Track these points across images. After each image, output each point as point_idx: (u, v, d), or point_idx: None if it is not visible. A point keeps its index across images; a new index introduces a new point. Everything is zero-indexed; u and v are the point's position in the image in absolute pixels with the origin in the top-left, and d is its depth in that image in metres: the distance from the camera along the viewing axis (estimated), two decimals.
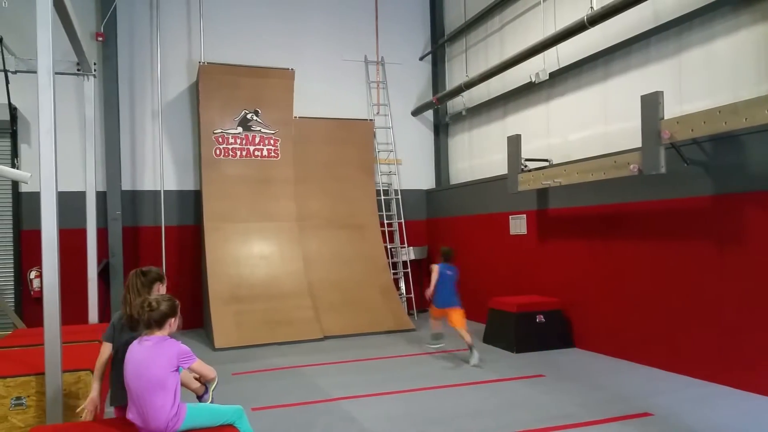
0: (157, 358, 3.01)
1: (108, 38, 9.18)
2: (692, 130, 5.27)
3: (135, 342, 3.12)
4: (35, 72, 3.70)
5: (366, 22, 11.06)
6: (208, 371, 3.40)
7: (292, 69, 9.70)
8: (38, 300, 8.13)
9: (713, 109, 5.14)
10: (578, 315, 7.37)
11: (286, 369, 6.64)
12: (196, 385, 3.48)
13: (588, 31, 6.77)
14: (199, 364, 3.26)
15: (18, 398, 3.78)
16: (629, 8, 6.18)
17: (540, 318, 7.34)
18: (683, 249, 5.89)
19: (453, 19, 11.00)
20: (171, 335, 3.16)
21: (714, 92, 5.76)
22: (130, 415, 3.04)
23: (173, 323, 3.17)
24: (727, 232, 5.45)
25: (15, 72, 6.11)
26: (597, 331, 7.05)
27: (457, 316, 6.64)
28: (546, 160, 8.01)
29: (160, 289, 3.53)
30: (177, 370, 3.07)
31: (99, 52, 9.17)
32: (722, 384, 5.42)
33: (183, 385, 3.32)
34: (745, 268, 5.26)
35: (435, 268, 6.81)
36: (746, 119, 4.78)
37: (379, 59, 11.12)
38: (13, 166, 8.31)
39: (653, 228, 6.25)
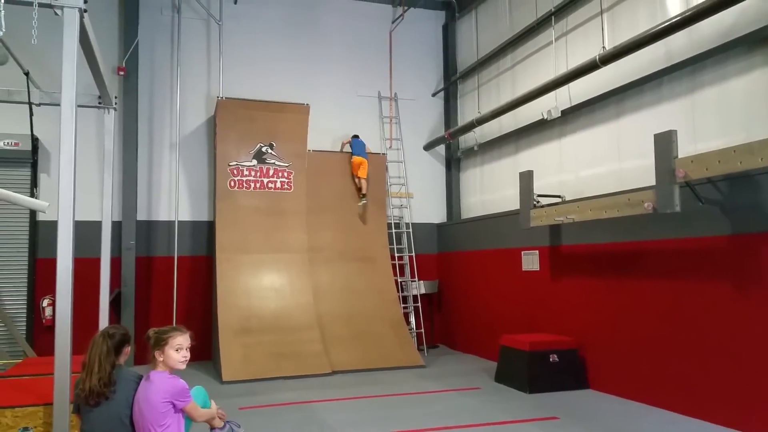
0: (153, 395, 3.04)
1: (129, 73, 9.44)
2: (707, 169, 5.25)
3: (143, 379, 3.17)
4: (58, 105, 3.79)
5: (380, 59, 11.28)
6: (199, 415, 3.30)
7: (307, 104, 9.87)
8: (50, 328, 8.13)
9: (728, 148, 5.12)
10: (593, 355, 7.21)
11: (295, 404, 6.54)
12: (215, 421, 3.42)
13: (600, 69, 6.85)
14: (192, 407, 3.21)
15: (25, 429, 3.75)
16: (641, 48, 6.26)
17: (553, 357, 7.18)
18: (700, 289, 5.78)
19: (465, 57, 11.19)
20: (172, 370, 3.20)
21: (727, 131, 5.75)
22: None
23: (128, 351, 3.30)
24: (744, 272, 5.35)
25: (39, 105, 6.26)
26: (612, 372, 6.89)
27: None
28: (558, 196, 7.99)
29: (128, 353, 3.32)
30: (174, 407, 3.07)
31: (120, 86, 9.41)
32: (741, 430, 5.24)
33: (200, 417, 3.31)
34: (765, 308, 5.15)
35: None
36: (762, 159, 4.76)
37: (393, 95, 11.30)
38: (32, 195, 8.44)
39: (669, 267, 6.16)
